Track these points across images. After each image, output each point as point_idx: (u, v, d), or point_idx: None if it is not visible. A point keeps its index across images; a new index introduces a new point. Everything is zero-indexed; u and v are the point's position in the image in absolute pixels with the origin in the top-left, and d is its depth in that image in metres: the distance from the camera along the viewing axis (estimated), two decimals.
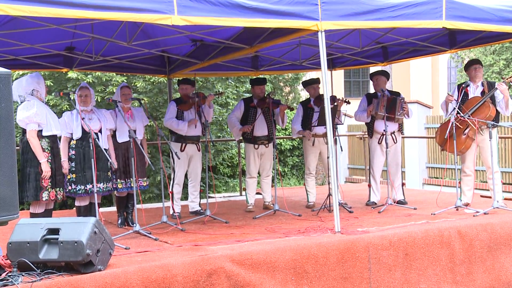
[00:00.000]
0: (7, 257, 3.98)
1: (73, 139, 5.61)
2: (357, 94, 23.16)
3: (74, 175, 5.54)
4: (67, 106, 10.53)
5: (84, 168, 5.48)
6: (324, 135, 6.82)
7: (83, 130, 5.51)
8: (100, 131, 5.79)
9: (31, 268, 3.84)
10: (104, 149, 5.50)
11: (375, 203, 6.97)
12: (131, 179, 5.95)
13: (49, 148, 5.17)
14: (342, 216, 5.59)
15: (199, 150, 6.70)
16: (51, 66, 7.55)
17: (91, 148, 5.14)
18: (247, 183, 7.09)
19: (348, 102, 6.83)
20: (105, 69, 8.37)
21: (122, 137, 5.96)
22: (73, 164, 5.56)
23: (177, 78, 10.92)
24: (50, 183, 5.15)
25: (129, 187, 5.99)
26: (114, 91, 10.16)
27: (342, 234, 4.88)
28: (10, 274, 3.81)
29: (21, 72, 10.18)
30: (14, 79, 9.63)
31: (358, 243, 4.67)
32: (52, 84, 10.92)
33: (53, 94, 8.11)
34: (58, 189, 5.25)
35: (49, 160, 5.16)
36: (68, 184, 5.53)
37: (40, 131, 5.13)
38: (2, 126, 2.91)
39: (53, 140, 5.24)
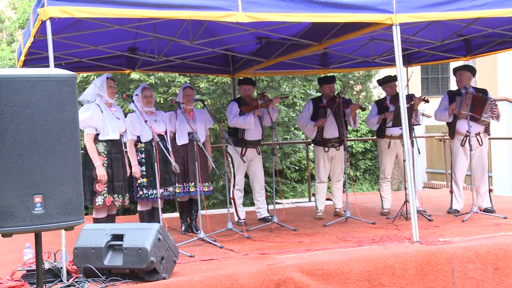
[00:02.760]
0: (73, 262, 4.17)
1: (141, 142, 5.78)
2: (436, 92, 22.46)
3: (145, 180, 5.69)
4: (130, 109, 10.88)
5: (156, 172, 5.55)
6: (400, 137, 6.69)
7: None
8: (166, 133, 5.94)
9: (97, 274, 4.01)
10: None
11: (458, 211, 6.74)
12: (190, 183, 6.06)
13: (105, 153, 5.32)
14: (420, 225, 5.45)
15: (259, 154, 6.75)
16: (114, 68, 7.83)
17: (155, 152, 5.29)
18: (316, 188, 7.06)
19: (427, 101, 6.66)
20: (167, 70, 8.58)
21: (181, 140, 6.08)
22: (143, 168, 5.71)
23: (238, 78, 11.11)
24: (106, 188, 5.27)
25: (187, 192, 6.09)
26: (177, 92, 10.42)
27: (421, 244, 4.77)
28: (76, 280, 4.00)
29: (85, 74, 10.63)
30: (78, 81, 10.08)
31: (440, 255, 4.54)
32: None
33: (116, 96, 8.38)
34: (116, 195, 5.35)
35: (105, 165, 5.30)
36: (139, 188, 5.68)
37: (97, 135, 5.32)
38: (67, 129, 3.06)
39: (112, 145, 5.37)
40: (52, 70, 3.21)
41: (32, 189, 2.97)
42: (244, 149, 6.64)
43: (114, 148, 5.38)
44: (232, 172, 6.72)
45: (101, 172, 5.23)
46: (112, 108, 5.51)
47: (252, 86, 6.79)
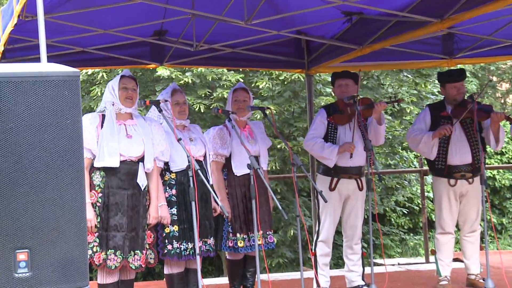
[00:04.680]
0: None
1: (171, 172, 5.84)
2: None
3: (176, 227, 5.72)
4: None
5: (194, 215, 5.48)
6: None
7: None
8: (205, 157, 6.00)
9: None
10: (211, 185, 5.67)
11: None
12: (257, 232, 6.07)
13: (101, 186, 5.38)
14: None
15: (361, 189, 6.70)
16: (132, 61, 7.95)
17: (193, 185, 5.33)
18: (437, 242, 6.97)
19: None
20: (211, 63, 8.65)
21: (242, 167, 6.13)
22: (174, 210, 5.75)
23: (320, 74, 11.08)
24: (97, 239, 5.31)
25: (253, 246, 6.09)
26: (225, 96, 10.52)
27: None
28: None
29: (89, 70, 10.89)
30: (81, 81, 10.36)
31: None
32: None
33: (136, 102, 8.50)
34: (112, 251, 5.32)
35: (99, 204, 5.35)
36: (167, 241, 5.69)
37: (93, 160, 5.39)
38: (68, 152, 3.07)
39: (112, 176, 5.39)
40: (45, 66, 3.26)
41: (14, 242, 3.02)
42: (335, 180, 6.64)
43: (115, 181, 5.41)
44: (317, 214, 6.72)
45: (87, 214, 5.23)
46: (130, 120, 5.58)
47: (353, 82, 6.77)
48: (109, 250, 5.33)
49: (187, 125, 6.07)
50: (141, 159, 5.52)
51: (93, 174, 5.41)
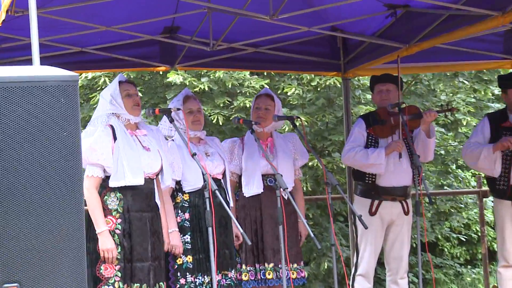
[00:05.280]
0: None
1: (184, 192, 5.87)
2: None
3: (190, 258, 5.74)
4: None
5: (211, 244, 5.47)
6: None
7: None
8: (224, 174, 6.01)
9: None
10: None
11: None
12: (267, 265, 6.08)
13: (119, 210, 5.39)
14: None
15: (406, 213, 6.70)
16: (139, 63, 7.99)
17: (209, 208, 5.32)
18: (500, 276, 6.97)
19: None
20: (230, 65, 8.74)
21: (251, 187, 6.16)
22: (187, 237, 5.78)
23: (359, 78, 11.04)
24: (119, 273, 5.31)
25: (261, 280, 6.12)
26: (248, 105, 10.51)
27: None
28: None
29: (89, 74, 10.93)
30: (80, 86, 10.41)
31: None
32: (141, 94, 11.55)
33: (143, 111, 8.54)
34: (137, 286, 5.35)
35: (118, 231, 5.36)
36: (179, 273, 5.71)
37: (107, 179, 5.39)
38: (64, 170, 3.08)
39: (133, 196, 5.42)
40: (37, 69, 3.28)
41: (2, 274, 3.02)
42: (375, 203, 6.64)
43: (138, 202, 5.44)
44: (355, 243, 6.70)
45: (106, 244, 5.27)
46: (139, 130, 5.62)
47: (395, 86, 6.80)
48: (135, 285, 5.35)
49: (203, 138, 6.07)
50: (156, 175, 5.56)
51: (106, 196, 5.40)
